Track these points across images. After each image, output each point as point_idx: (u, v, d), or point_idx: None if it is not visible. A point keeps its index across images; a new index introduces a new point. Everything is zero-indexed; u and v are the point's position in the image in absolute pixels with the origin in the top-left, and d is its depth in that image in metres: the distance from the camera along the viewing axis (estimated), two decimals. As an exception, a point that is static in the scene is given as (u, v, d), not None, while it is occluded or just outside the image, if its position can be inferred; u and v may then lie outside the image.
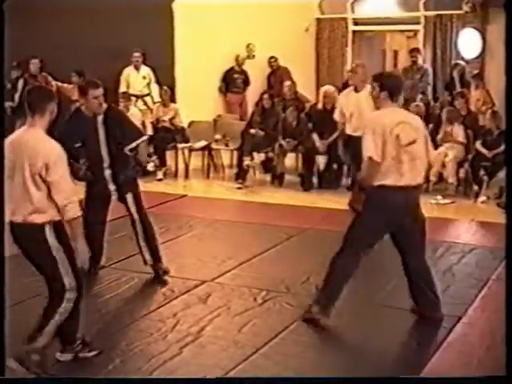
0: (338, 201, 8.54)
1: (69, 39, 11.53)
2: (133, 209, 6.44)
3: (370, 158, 5.02)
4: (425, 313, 5.40)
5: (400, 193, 5.06)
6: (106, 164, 6.30)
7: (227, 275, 6.58)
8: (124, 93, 11.26)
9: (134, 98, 11.83)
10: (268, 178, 10.59)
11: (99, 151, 6.26)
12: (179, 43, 13.12)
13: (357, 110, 7.36)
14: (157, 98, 11.95)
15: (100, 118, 6.22)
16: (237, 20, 13.60)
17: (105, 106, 6.24)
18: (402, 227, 5.24)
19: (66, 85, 11.78)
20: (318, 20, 15.66)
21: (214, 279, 6.45)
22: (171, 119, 11.47)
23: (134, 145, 6.35)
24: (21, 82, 11.22)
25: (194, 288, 6.20)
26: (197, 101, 12.74)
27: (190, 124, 11.91)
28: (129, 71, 12.23)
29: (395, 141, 5.00)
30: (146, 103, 11.98)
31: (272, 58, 14.33)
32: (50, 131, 4.62)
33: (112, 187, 6.38)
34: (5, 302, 4.20)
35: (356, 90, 7.38)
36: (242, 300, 5.99)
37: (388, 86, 5.14)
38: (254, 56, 14.32)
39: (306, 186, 10.01)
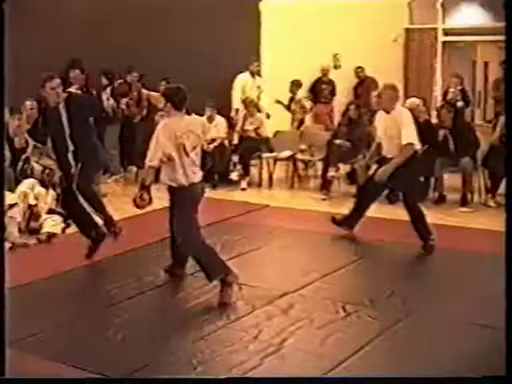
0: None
1: (157, 43, 11.66)
2: None
3: (149, 166, 6.00)
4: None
5: (189, 189, 6.07)
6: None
7: (310, 287, 6.49)
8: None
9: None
10: (353, 189, 10.44)
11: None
12: (265, 54, 13.16)
13: (385, 132, 7.62)
14: (265, 109, 11.97)
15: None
16: (323, 30, 13.55)
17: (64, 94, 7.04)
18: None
19: (153, 93, 11.88)
20: (407, 30, 15.47)
21: (296, 290, 6.36)
22: (256, 129, 11.47)
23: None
24: (108, 90, 11.36)
25: (276, 299, 6.14)
26: (282, 110, 12.73)
27: (276, 134, 11.88)
28: (246, 78, 12.26)
29: (181, 148, 5.95)
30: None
31: (359, 68, 14.23)
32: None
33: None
34: (5, 302, 4.21)
35: (387, 112, 7.59)
36: (325, 312, 5.89)
37: (171, 99, 6.05)
38: (340, 66, 14.24)
39: (392, 198, 9.82)
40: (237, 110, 12.09)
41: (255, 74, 12.30)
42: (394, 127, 7.46)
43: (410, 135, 7.41)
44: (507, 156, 4.35)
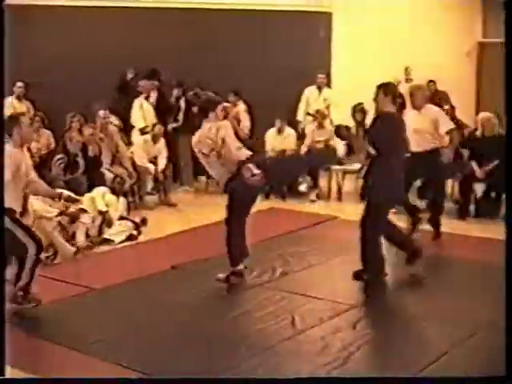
0: (487, 229, 8.54)
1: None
2: None
3: None
4: None
5: None
6: None
7: (377, 301, 6.50)
8: None
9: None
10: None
11: None
12: (336, 66, 13.21)
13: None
14: (336, 121, 12.02)
15: None
16: (395, 43, 13.53)
17: None
18: None
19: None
20: (481, 44, 15.30)
21: (363, 304, 6.37)
22: (326, 141, 11.48)
23: None
24: (182, 102, 11.51)
25: (343, 312, 6.16)
26: (352, 122, 12.72)
27: (345, 146, 11.87)
28: (312, 91, 12.63)
29: None
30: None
31: (431, 81, 14.10)
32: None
33: None
34: (5, 303, 4.30)
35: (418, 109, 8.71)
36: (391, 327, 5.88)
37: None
38: (411, 79, 14.14)
39: (462, 213, 9.69)
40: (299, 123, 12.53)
41: (322, 86, 12.51)
42: (425, 122, 8.40)
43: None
44: (507, 157, 4.37)
